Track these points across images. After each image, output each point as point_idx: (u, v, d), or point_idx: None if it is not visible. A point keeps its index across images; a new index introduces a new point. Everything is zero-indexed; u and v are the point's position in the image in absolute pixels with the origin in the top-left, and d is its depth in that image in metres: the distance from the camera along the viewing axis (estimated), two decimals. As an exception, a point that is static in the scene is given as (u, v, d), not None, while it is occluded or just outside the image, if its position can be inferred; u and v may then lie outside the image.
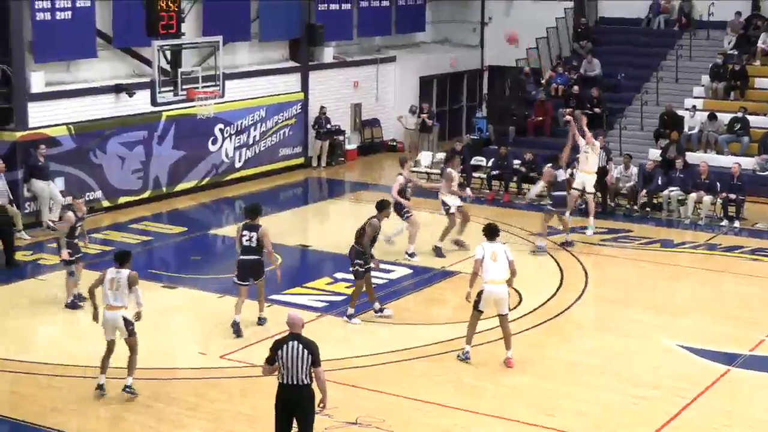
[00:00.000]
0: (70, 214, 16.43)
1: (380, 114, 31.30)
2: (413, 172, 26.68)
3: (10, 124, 21.15)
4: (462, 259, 19.44)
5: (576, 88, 28.71)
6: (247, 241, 15.27)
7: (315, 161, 28.58)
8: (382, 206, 16.82)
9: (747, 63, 28.50)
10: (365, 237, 16.14)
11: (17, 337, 15.40)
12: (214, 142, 25.73)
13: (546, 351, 15.10)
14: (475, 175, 25.95)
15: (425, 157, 27.39)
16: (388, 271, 18.82)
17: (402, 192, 19.65)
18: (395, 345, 15.08)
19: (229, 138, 26.09)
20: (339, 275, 18.45)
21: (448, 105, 34.05)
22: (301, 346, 10.61)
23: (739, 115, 26.39)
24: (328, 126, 28.68)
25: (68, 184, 22.03)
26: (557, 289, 18.07)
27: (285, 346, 10.65)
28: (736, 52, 29.16)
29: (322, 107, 28.62)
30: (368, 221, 16.31)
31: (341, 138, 29.46)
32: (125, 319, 13.08)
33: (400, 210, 19.54)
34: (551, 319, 16.44)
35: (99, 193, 22.86)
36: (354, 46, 31.05)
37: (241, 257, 15.37)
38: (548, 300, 17.41)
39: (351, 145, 29.94)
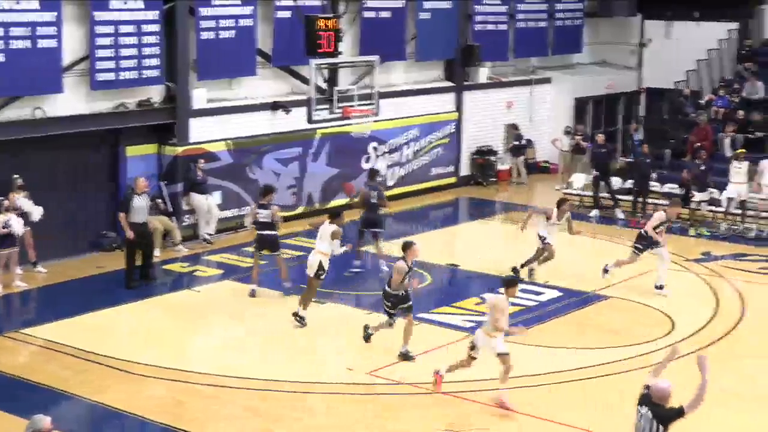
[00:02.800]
0: None
1: (534, 135, 31.14)
2: (566, 193, 26.64)
3: (172, 139, 21.93)
4: (611, 284, 19.21)
5: (739, 112, 27.97)
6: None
7: (515, 175, 29.51)
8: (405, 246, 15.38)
9: None
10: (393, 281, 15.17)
11: (173, 346, 15.94)
12: (368, 160, 26.09)
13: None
14: (626, 198, 25.60)
15: (578, 180, 27.09)
16: (538, 293, 18.73)
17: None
18: (542, 368, 14.97)
19: (382, 156, 26.40)
20: (487, 295, 18.41)
21: (604, 127, 33.59)
22: (651, 414, 9.53)
23: None
24: (520, 141, 29.29)
25: (225, 198, 22.72)
26: (710, 318, 17.62)
27: (637, 410, 9.67)
28: None
29: (514, 124, 28.95)
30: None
31: (493, 158, 29.46)
32: None
33: None
34: (705, 347, 16.02)
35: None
36: (509, 66, 31.02)
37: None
38: (701, 329, 16.98)
39: (503, 166, 29.89)
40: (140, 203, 18.66)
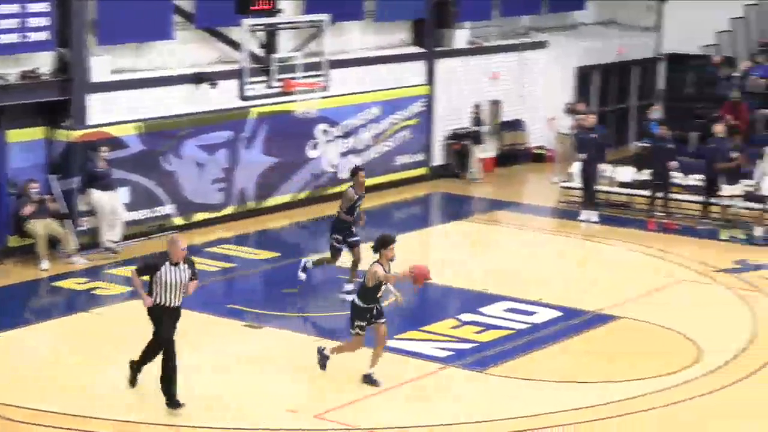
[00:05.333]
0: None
1: (525, 114, 31.20)
2: (565, 188, 26.69)
3: (66, 120, 21.74)
4: (619, 303, 19.30)
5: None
6: None
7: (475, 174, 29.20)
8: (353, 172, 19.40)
9: None
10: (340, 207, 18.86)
11: (64, 385, 15.71)
12: (315, 147, 26.03)
13: (739, 426, 14.81)
14: (641, 193, 25.72)
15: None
16: (529, 313, 18.75)
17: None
18: (536, 408, 14.98)
19: (333, 141, 26.35)
20: (466, 317, 18.43)
21: (614, 104, 33.73)
22: None
23: None
24: (479, 127, 29.30)
25: (134, 195, 22.58)
26: (745, 345, 17.69)
27: None
28: None
29: (476, 105, 29.06)
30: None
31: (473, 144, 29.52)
32: None
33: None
34: (732, 384, 16.09)
35: (170, 208, 23.35)
36: (494, 28, 31.04)
37: None
38: (732, 359, 17.03)
39: (486, 153, 29.92)
40: (174, 278, 14.45)
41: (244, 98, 22.00)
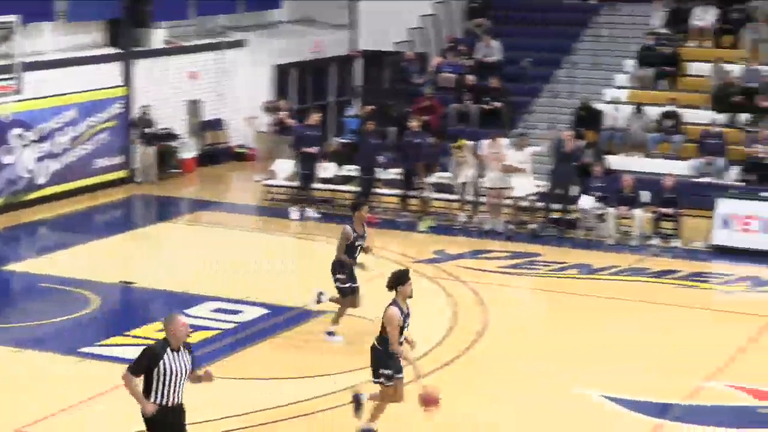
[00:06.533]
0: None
1: (225, 113, 31.18)
2: (268, 186, 26.83)
3: None
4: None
5: (471, 77, 29.10)
6: None
7: (141, 174, 28.40)
8: (355, 206, 17.70)
9: (679, 45, 29.31)
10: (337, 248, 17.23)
11: None
12: (10, 152, 25.31)
13: (443, 410, 15.16)
14: (344, 188, 26.16)
15: (283, 168, 27.29)
16: (236, 312, 18.76)
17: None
18: (251, 405, 14.99)
19: (29, 146, 25.69)
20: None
21: (312, 101, 34.08)
22: None
23: (671, 108, 27.10)
24: (151, 127, 28.65)
25: None
26: (448, 331, 18.21)
27: None
28: (667, 32, 29.94)
29: (143, 106, 28.51)
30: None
31: (174, 144, 29.26)
32: None
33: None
34: (438, 369, 16.51)
35: None
36: (191, 27, 30.90)
37: None
38: (436, 346, 17.50)
39: (187, 153, 29.76)
40: (178, 367, 11.32)
41: (-70, 104, 21.24)
